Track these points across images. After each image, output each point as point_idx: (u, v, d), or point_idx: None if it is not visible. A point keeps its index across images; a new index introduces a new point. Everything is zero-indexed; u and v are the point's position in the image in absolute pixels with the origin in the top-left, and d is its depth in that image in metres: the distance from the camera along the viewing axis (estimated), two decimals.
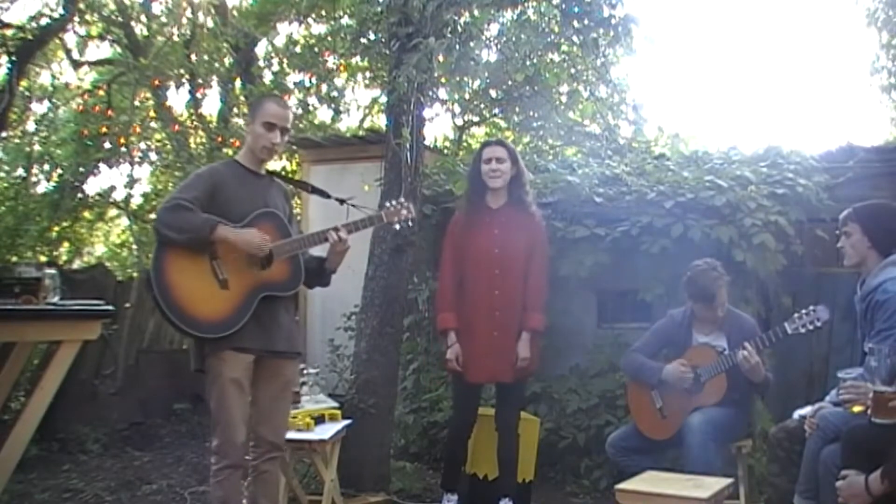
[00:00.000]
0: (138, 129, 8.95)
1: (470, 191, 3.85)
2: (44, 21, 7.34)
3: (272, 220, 2.89)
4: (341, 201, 3.18)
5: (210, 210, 2.75)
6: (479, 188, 3.78)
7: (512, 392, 3.74)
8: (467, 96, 5.97)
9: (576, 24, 4.67)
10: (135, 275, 7.31)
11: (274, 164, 3.14)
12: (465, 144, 7.25)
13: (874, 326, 2.74)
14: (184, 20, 8.84)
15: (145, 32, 8.79)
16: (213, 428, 2.78)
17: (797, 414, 3.00)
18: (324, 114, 9.11)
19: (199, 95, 9.04)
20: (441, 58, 4.28)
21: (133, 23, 8.71)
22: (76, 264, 9.20)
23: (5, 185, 9.11)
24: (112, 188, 9.35)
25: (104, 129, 8.52)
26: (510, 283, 3.66)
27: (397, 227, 3.22)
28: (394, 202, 3.20)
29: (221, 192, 2.80)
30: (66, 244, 9.38)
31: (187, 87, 8.88)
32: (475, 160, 3.83)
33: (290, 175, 7.00)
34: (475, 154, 3.93)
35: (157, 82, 8.49)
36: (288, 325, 2.95)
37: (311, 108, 8.82)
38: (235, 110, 8.97)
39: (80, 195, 8.95)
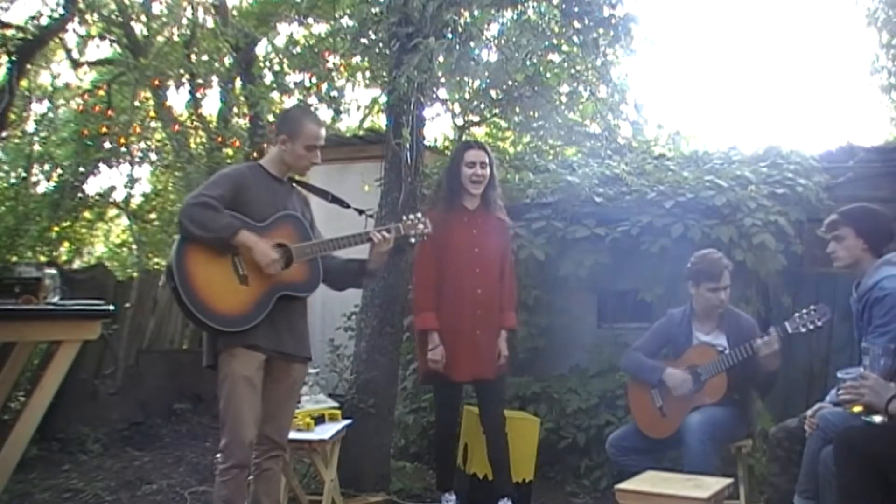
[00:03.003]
0: (138, 129, 8.97)
1: (447, 190, 3.83)
2: (44, 21, 7.32)
3: (293, 221, 2.93)
4: (360, 212, 3.25)
5: (232, 208, 2.78)
6: (457, 189, 3.78)
7: (495, 389, 3.78)
8: (467, 96, 5.95)
9: (576, 24, 4.66)
10: (135, 275, 7.30)
11: None
12: None
13: (872, 323, 2.75)
14: (184, 20, 8.83)
15: (145, 32, 8.78)
16: (221, 426, 2.78)
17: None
18: (324, 114, 9.09)
19: (199, 95, 9.04)
20: (441, 58, 4.27)
21: (133, 23, 8.71)
22: (76, 264, 9.21)
23: (5, 185, 9.13)
24: (112, 188, 9.43)
25: (104, 129, 8.54)
26: (490, 282, 3.72)
27: (413, 240, 3.23)
28: (412, 216, 3.22)
29: (244, 193, 2.84)
30: (66, 244, 9.40)
31: (187, 87, 8.88)
32: (456, 160, 3.81)
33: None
34: (455, 154, 3.90)
35: (157, 82, 8.49)
36: (301, 329, 2.98)
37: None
38: (235, 110, 8.97)
39: (80, 195, 8.98)
